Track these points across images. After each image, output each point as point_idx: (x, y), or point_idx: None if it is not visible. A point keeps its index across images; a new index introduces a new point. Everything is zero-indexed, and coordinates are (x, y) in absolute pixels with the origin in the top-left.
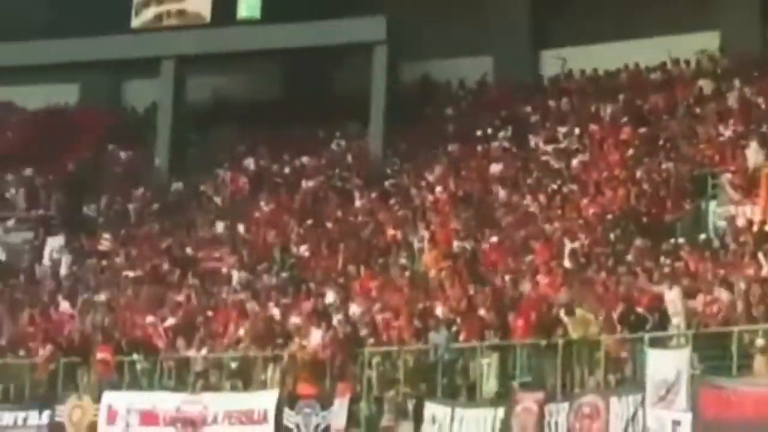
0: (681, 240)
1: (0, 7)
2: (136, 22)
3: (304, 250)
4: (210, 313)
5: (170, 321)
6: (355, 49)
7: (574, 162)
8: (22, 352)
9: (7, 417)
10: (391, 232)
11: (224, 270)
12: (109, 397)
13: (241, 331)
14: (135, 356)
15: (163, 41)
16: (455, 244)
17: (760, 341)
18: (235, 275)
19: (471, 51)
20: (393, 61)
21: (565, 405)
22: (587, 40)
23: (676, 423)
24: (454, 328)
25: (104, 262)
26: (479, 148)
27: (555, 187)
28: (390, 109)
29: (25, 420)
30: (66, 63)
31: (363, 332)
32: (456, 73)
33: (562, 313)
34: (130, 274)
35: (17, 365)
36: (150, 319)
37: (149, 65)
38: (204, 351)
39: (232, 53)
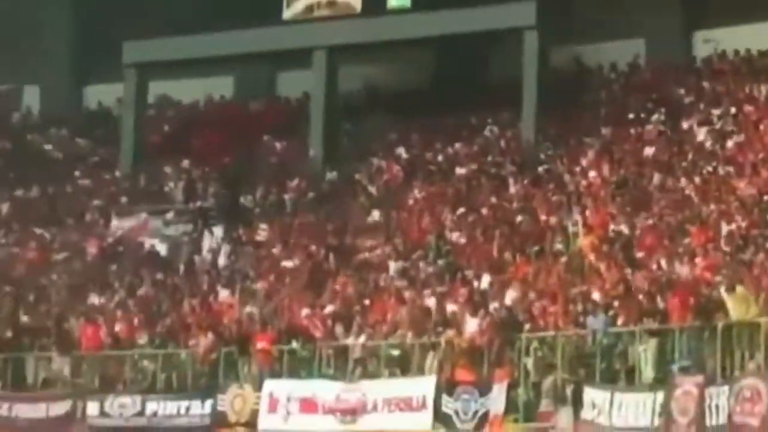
0: None
1: (155, 3)
2: (287, 14)
3: (458, 237)
4: (367, 302)
5: (328, 310)
6: (506, 35)
7: (729, 143)
8: (183, 343)
9: (170, 406)
10: (545, 217)
11: (380, 258)
12: (270, 385)
13: (398, 319)
14: (294, 345)
15: (314, 32)
16: (610, 228)
17: None
18: (391, 263)
19: (622, 34)
20: (544, 46)
21: (725, 388)
22: (740, 19)
23: None
24: (611, 313)
25: (262, 252)
26: (632, 131)
27: (710, 169)
28: (542, 94)
29: (187, 409)
30: (220, 56)
31: (519, 318)
32: (607, 56)
33: (722, 289)
34: (287, 263)
35: (179, 355)
36: (308, 308)
37: (301, 56)
38: (362, 339)
39: (383, 42)
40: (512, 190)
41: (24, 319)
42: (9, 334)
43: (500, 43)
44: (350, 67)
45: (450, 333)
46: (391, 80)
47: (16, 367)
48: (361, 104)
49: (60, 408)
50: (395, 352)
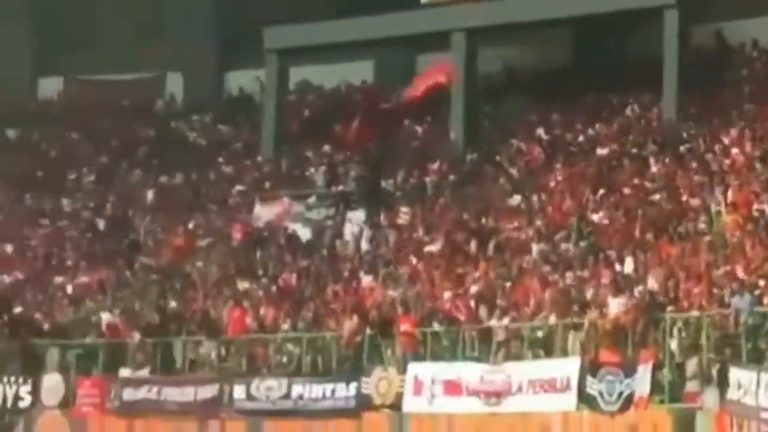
0: None
1: None
2: None
3: (600, 218)
4: (509, 284)
5: (471, 292)
6: (646, 14)
7: None
8: (327, 326)
9: (316, 389)
10: (687, 197)
11: (522, 240)
12: (414, 368)
13: (541, 301)
14: (437, 327)
15: (453, 15)
16: (754, 206)
17: None
18: (534, 245)
19: (764, 10)
20: (684, 24)
21: None
22: None
23: None
24: (756, 292)
25: (403, 236)
26: None
27: None
28: (682, 72)
29: (333, 392)
30: (360, 41)
31: (663, 299)
32: (749, 33)
33: None
34: (430, 247)
35: (324, 339)
36: (451, 291)
37: (440, 39)
38: (505, 321)
39: (522, 23)
40: (654, 169)
41: (171, 304)
42: (157, 319)
43: (640, 22)
44: (489, 49)
45: (593, 314)
46: (530, 61)
47: (165, 351)
48: (501, 86)
49: (207, 391)
50: (539, 334)
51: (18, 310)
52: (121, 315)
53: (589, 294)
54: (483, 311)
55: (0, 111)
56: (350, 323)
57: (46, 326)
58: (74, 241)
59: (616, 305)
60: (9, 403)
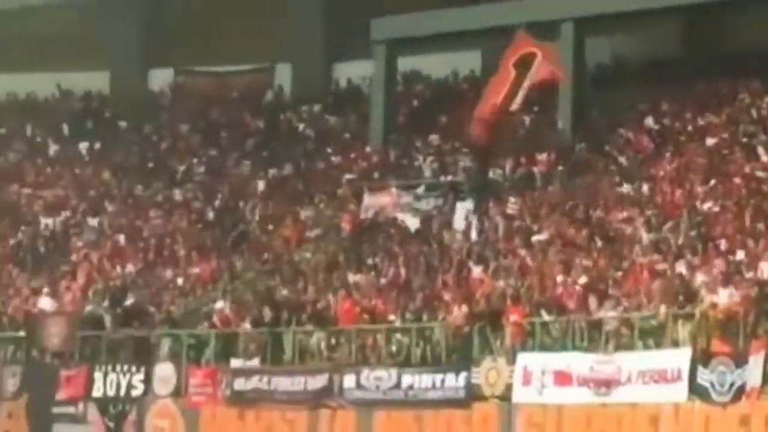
0: None
1: None
2: None
3: (710, 207)
4: (619, 274)
5: (580, 282)
6: (756, 1)
7: None
8: (436, 316)
9: (426, 379)
10: None
11: (632, 230)
12: (523, 358)
13: (652, 291)
14: (546, 317)
15: (561, 4)
16: None
17: None
18: (643, 235)
19: None
20: None
21: None
22: None
23: None
24: None
25: (512, 226)
26: None
27: None
28: None
29: (442, 382)
30: (468, 30)
31: None
32: None
33: None
34: (538, 236)
35: (433, 329)
36: (560, 281)
37: (548, 28)
38: (615, 311)
39: (631, 12)
40: (765, 158)
41: (281, 295)
42: (268, 310)
43: (750, 9)
44: (598, 38)
45: (704, 304)
46: (639, 50)
47: (275, 341)
48: (610, 75)
49: (317, 381)
50: (649, 324)
51: (130, 300)
52: (232, 305)
53: (699, 284)
54: (592, 301)
55: (111, 103)
56: (459, 313)
57: (158, 316)
58: (185, 232)
59: (726, 295)
60: (122, 392)
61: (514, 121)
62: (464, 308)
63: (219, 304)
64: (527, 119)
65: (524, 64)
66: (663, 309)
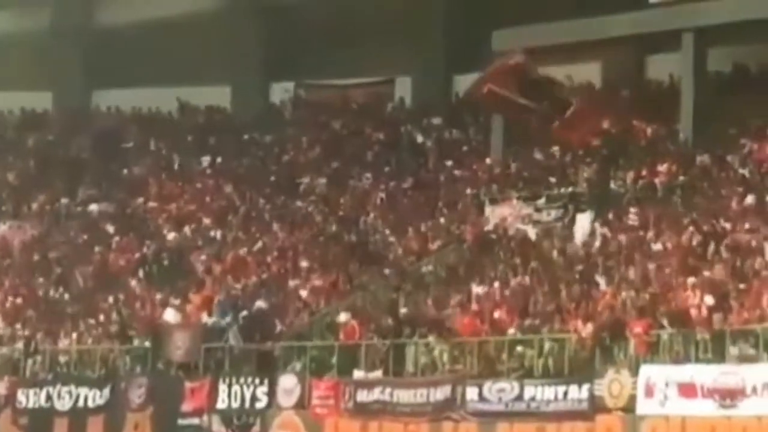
0: None
1: None
2: None
3: None
4: (743, 285)
5: (704, 294)
6: None
7: None
8: (560, 328)
9: (548, 391)
10: None
11: (756, 241)
12: (646, 370)
13: None
14: (669, 329)
15: (682, 14)
16: None
17: None
18: (767, 246)
19: None
20: None
21: None
22: None
23: None
24: None
25: (634, 237)
26: None
27: None
28: None
29: (565, 394)
30: (588, 41)
31: None
32: None
33: None
34: (660, 247)
35: (556, 341)
36: (683, 292)
37: (669, 39)
38: (738, 323)
39: (753, 21)
40: None
41: (404, 307)
42: (390, 322)
43: None
44: (719, 48)
45: None
46: (761, 59)
47: (397, 353)
48: (731, 84)
49: (440, 393)
50: None
51: (254, 312)
52: (354, 317)
53: None
54: (716, 313)
55: (234, 116)
56: (584, 327)
57: (281, 328)
58: (307, 244)
59: None
60: (246, 404)
61: (636, 132)
62: (588, 320)
63: (342, 317)
64: (648, 129)
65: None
66: None
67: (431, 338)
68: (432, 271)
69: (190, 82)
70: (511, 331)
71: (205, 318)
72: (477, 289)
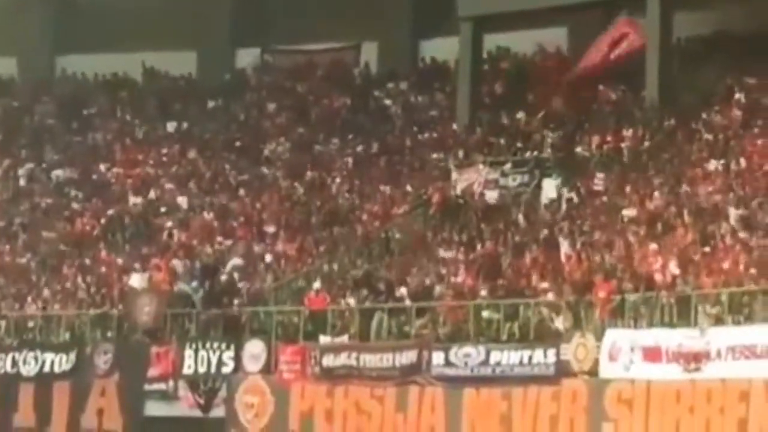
0: None
1: None
2: None
3: None
4: (708, 249)
5: (668, 258)
6: None
7: None
8: (525, 293)
9: (514, 356)
10: None
11: (720, 205)
12: (612, 334)
13: (741, 266)
14: (634, 293)
15: None
16: None
17: None
18: (731, 210)
19: None
20: None
21: None
22: None
23: None
24: None
25: (600, 202)
26: None
27: None
28: None
29: (530, 358)
30: (554, 6)
31: None
32: None
33: None
34: (626, 212)
35: (521, 306)
36: (648, 256)
37: (636, 3)
38: (702, 287)
39: None
40: None
41: (369, 271)
42: (356, 287)
43: None
44: (685, 13)
45: None
46: (726, 24)
47: (364, 318)
48: (697, 50)
49: (406, 358)
50: (738, 300)
51: (222, 278)
52: (320, 282)
53: None
54: (681, 277)
55: (200, 82)
56: (547, 290)
57: (248, 294)
58: (273, 210)
59: None
60: (213, 369)
61: (601, 97)
62: (554, 285)
63: (316, 284)
64: (613, 95)
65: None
66: (752, 284)
67: (397, 303)
68: (398, 237)
69: (155, 48)
70: (483, 294)
71: (171, 283)
72: (443, 254)
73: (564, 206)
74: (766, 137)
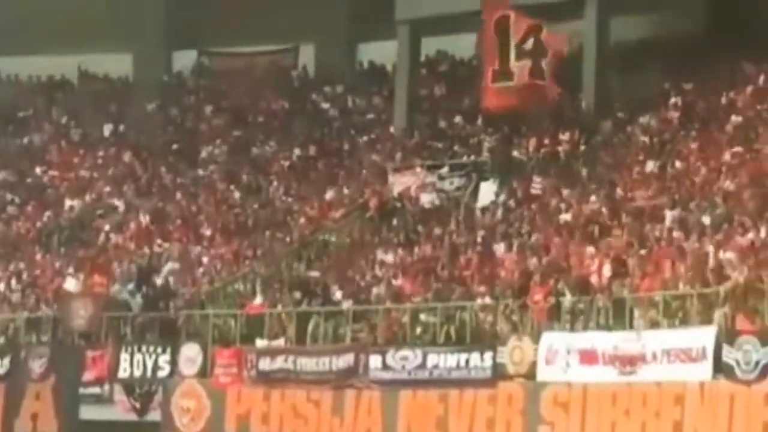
0: None
1: None
2: None
3: (735, 185)
4: (644, 251)
5: (604, 261)
6: None
7: None
8: (462, 296)
9: (451, 359)
10: None
11: (656, 208)
12: (548, 337)
13: (677, 269)
14: (571, 296)
15: None
16: None
17: None
18: (668, 213)
19: None
20: None
21: None
22: None
23: None
24: None
25: (537, 205)
26: None
27: None
28: None
29: (467, 361)
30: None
31: None
32: None
33: None
34: (563, 215)
35: (458, 308)
36: (584, 260)
37: (572, 8)
38: (638, 290)
39: None
40: None
41: (306, 274)
42: (293, 290)
43: None
44: (621, 17)
45: (729, 282)
46: (662, 28)
47: (300, 322)
48: (634, 54)
49: (343, 361)
50: (674, 302)
51: (158, 281)
52: (257, 286)
53: (724, 262)
54: (617, 280)
55: (136, 84)
56: (484, 293)
57: (184, 297)
58: (210, 213)
59: (751, 273)
60: (149, 373)
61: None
62: (491, 288)
63: (244, 285)
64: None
65: (502, 28)
66: (688, 287)
67: (335, 306)
68: (335, 240)
69: (91, 50)
70: (421, 296)
71: (106, 287)
72: (381, 257)
73: (501, 209)
74: (701, 140)
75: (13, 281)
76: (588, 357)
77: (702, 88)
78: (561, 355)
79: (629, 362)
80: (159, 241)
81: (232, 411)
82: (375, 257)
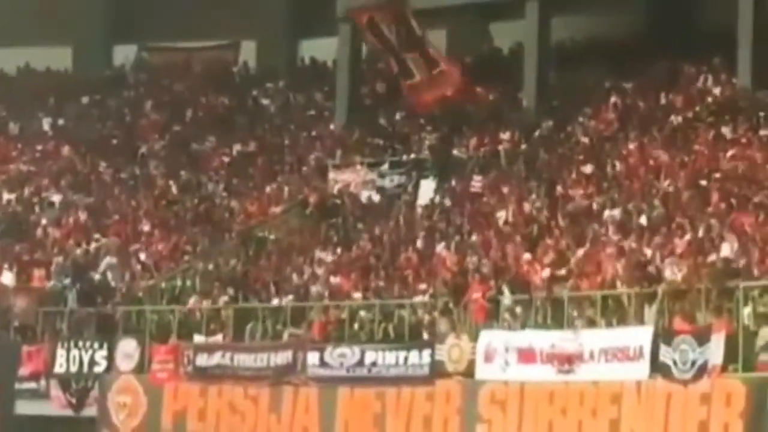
0: None
1: None
2: None
3: (674, 186)
4: (582, 252)
5: (543, 260)
6: None
7: None
8: (400, 294)
9: (389, 357)
10: (762, 165)
11: (595, 208)
12: (486, 336)
13: (615, 269)
14: (508, 295)
15: None
16: None
17: None
18: (606, 213)
19: None
20: None
21: None
22: None
23: None
24: None
25: (476, 204)
26: None
27: None
28: (757, 40)
29: (406, 359)
30: (434, 8)
31: (737, 268)
32: None
33: None
34: (502, 214)
35: (397, 306)
36: (523, 259)
37: (514, 7)
38: (575, 289)
39: None
40: (728, 138)
41: (245, 271)
42: (231, 286)
43: None
44: (562, 17)
45: (667, 282)
46: (603, 29)
47: (238, 318)
48: (574, 54)
49: (281, 358)
50: (611, 302)
51: (95, 276)
52: (195, 282)
53: (662, 262)
54: (555, 279)
55: (75, 78)
56: (422, 291)
57: (121, 292)
58: (148, 208)
59: (689, 274)
60: (85, 368)
61: (479, 99)
62: (429, 286)
63: (183, 281)
64: (491, 97)
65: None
66: (626, 287)
67: (273, 303)
68: (274, 237)
69: (31, 43)
70: (358, 295)
71: (43, 281)
72: (320, 255)
73: (441, 208)
74: (641, 141)
75: None
76: (526, 356)
77: (642, 89)
78: (499, 354)
79: (567, 361)
80: (97, 236)
81: (169, 407)
82: (314, 254)
